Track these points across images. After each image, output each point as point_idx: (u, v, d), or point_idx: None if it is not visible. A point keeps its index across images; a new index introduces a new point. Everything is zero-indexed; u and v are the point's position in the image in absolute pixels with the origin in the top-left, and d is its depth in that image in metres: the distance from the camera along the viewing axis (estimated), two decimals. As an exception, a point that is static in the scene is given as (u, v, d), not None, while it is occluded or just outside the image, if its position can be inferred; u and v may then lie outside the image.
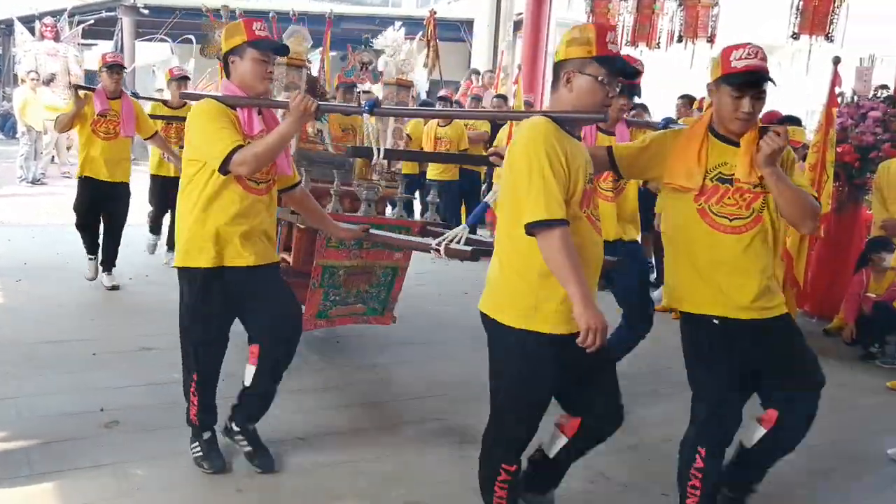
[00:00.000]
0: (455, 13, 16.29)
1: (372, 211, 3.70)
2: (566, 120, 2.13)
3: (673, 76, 9.81)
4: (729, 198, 2.26)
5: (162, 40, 15.32)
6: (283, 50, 2.92)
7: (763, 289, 2.27)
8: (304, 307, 3.70)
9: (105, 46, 14.75)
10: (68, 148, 11.68)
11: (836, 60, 4.89)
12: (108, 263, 5.33)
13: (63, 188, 10.28)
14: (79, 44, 12.88)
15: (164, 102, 6.08)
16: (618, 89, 2.18)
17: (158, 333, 4.22)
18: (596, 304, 2.00)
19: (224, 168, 2.52)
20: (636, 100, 3.81)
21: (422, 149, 7.43)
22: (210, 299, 2.71)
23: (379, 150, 2.81)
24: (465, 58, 15.04)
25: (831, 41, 6.70)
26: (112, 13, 15.43)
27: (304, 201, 3.01)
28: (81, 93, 5.09)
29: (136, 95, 5.71)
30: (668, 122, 3.44)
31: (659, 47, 8.17)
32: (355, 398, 3.69)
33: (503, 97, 8.22)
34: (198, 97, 2.93)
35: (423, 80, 9.42)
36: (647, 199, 4.31)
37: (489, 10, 12.93)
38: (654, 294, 5.01)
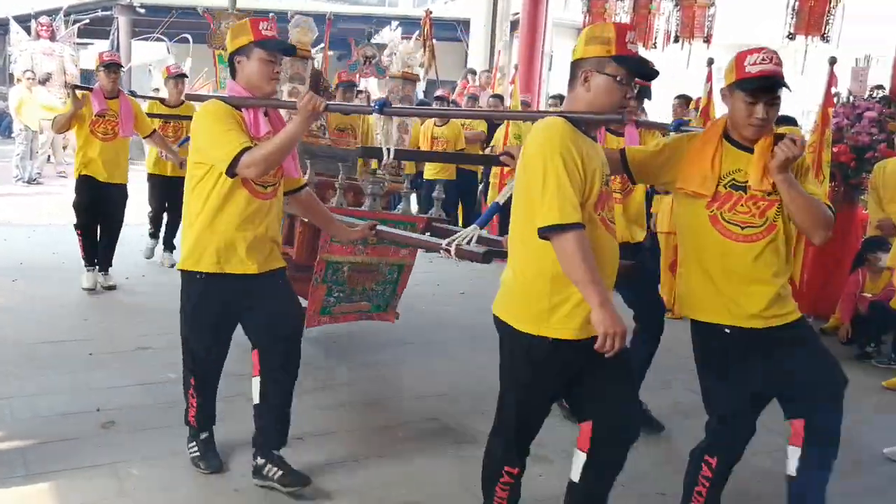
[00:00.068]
0: (452, 13, 16.29)
1: (377, 206, 3.66)
2: (582, 120, 2.09)
3: (669, 76, 9.81)
4: (742, 205, 2.22)
5: (158, 39, 15.28)
6: (291, 50, 2.89)
7: (774, 297, 2.23)
8: (305, 302, 3.67)
9: (101, 46, 14.69)
10: (64, 147, 11.65)
11: (832, 61, 4.90)
12: (105, 263, 5.31)
13: (59, 188, 10.26)
14: (75, 43, 12.81)
15: (162, 101, 6.06)
16: (635, 90, 2.14)
17: (155, 333, 4.21)
18: (614, 307, 1.95)
19: (231, 170, 2.46)
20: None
21: (419, 148, 7.42)
22: (210, 304, 2.68)
23: (389, 150, 2.76)
24: (461, 57, 15.03)
25: (827, 41, 6.70)
26: (108, 12, 15.40)
27: (310, 204, 2.95)
28: (79, 93, 5.02)
29: (133, 94, 5.68)
30: (679, 125, 3.34)
31: (655, 47, 8.17)
32: (354, 398, 3.68)
33: (499, 97, 8.22)
34: (203, 98, 2.89)
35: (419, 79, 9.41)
36: (646, 200, 4.31)
37: (486, 10, 12.94)
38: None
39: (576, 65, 2.11)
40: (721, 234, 2.24)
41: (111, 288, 5.29)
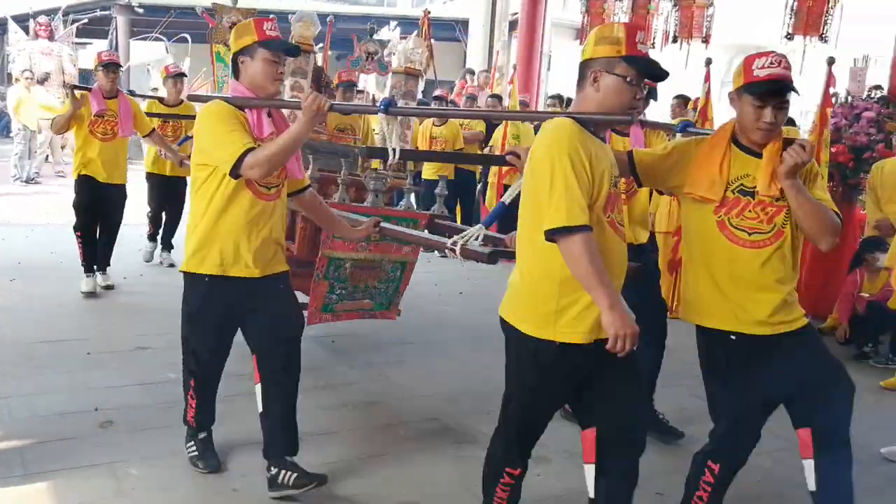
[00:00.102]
0: (450, 13, 16.28)
1: (379, 202, 3.63)
2: (591, 121, 2.06)
3: (668, 76, 9.81)
4: (750, 211, 2.20)
5: (157, 39, 15.27)
6: (294, 51, 2.86)
7: (781, 303, 2.21)
8: (306, 298, 3.66)
9: (99, 45, 14.67)
10: (63, 147, 11.65)
11: (830, 61, 4.91)
12: (103, 263, 5.30)
13: (57, 187, 10.25)
14: (73, 43, 12.82)
15: (161, 100, 6.04)
16: (645, 91, 2.11)
17: (154, 333, 4.21)
18: (624, 308, 1.93)
19: (235, 172, 2.43)
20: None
21: (417, 148, 7.41)
22: (214, 306, 2.67)
23: (395, 150, 2.75)
24: (460, 57, 15.03)
25: (825, 42, 6.71)
26: (106, 12, 15.37)
27: (314, 205, 2.93)
28: (78, 93, 4.99)
29: (132, 94, 5.67)
30: (685, 126, 3.31)
31: (654, 48, 8.18)
32: (354, 398, 3.68)
33: (498, 97, 8.22)
34: (205, 99, 2.87)
35: (417, 78, 9.40)
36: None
37: (484, 10, 12.94)
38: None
39: (585, 65, 2.08)
40: (728, 240, 2.22)
41: (109, 287, 5.28)
